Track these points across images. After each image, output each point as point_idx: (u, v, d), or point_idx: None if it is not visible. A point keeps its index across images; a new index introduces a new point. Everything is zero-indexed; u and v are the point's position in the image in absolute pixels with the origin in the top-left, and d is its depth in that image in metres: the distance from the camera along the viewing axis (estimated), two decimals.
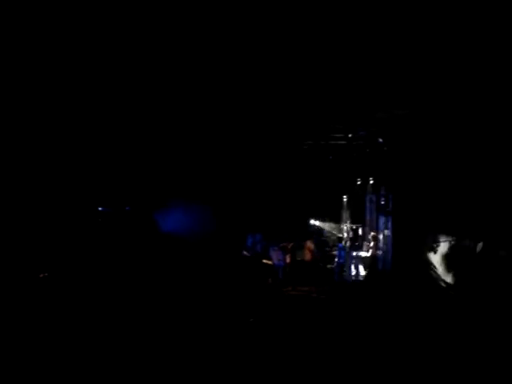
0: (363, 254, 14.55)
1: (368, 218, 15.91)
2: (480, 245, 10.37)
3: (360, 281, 13.75)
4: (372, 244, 14.95)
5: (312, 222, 17.76)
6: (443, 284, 11.27)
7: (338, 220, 17.84)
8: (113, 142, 12.08)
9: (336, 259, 14.48)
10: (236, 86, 8.94)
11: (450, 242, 11.81)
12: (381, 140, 12.87)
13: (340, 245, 14.71)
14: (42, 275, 11.28)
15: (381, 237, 14.44)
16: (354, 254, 14.42)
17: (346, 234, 15.87)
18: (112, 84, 8.84)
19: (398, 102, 10.03)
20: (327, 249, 15.96)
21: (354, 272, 14.28)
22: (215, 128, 11.79)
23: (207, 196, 15.02)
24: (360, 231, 15.64)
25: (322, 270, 15.36)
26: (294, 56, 7.60)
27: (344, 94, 9.49)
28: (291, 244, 14.90)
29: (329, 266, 15.31)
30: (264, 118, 11.03)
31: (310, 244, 15.39)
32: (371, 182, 15.20)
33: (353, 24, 6.53)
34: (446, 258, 11.76)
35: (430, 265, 12.19)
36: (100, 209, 14.61)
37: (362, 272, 14.10)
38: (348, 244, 15.09)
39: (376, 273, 13.56)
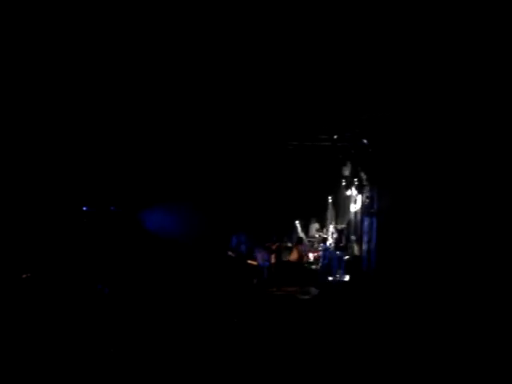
0: (345, 254, 14.58)
1: (353, 218, 15.99)
2: None
3: (344, 281, 13.78)
4: (355, 245, 15.04)
5: (297, 222, 17.82)
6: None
7: (322, 221, 17.91)
8: (98, 141, 12.01)
9: (321, 260, 14.51)
10: (222, 88, 8.95)
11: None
12: (365, 141, 12.94)
13: (324, 245, 14.76)
14: (24, 276, 11.17)
15: (365, 238, 14.52)
16: (339, 254, 14.46)
17: (330, 235, 15.92)
18: (98, 87, 8.82)
19: (381, 105, 10.12)
20: (312, 249, 16.01)
21: (338, 273, 14.32)
22: (201, 129, 11.79)
23: (192, 196, 15.00)
24: (345, 232, 15.71)
25: (306, 270, 15.39)
26: (279, 59, 7.64)
27: (328, 97, 9.55)
28: (276, 245, 14.91)
29: (313, 266, 15.34)
30: (249, 119, 11.04)
31: (299, 247, 15.41)
32: (356, 182, 15.27)
33: (337, 28, 6.58)
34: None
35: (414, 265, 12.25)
36: (84, 209, 14.52)
37: (347, 273, 14.12)
38: (332, 245, 15.13)
39: (360, 274, 13.63)
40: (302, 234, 16.38)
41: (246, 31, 6.69)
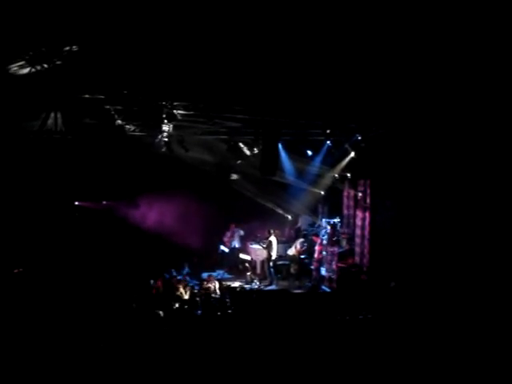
0: (339, 249, 14.60)
1: (346, 213, 16.02)
2: None
3: (336, 275, 13.84)
4: (345, 239, 15.08)
5: (289, 217, 17.89)
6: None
7: (315, 215, 17.92)
8: (90, 134, 11.95)
9: (315, 254, 14.54)
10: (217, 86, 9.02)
11: None
12: (359, 136, 12.98)
13: (317, 240, 14.76)
14: (16, 270, 11.13)
15: (358, 232, 14.57)
16: (331, 249, 14.50)
17: (323, 229, 15.92)
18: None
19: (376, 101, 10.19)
20: (305, 244, 15.99)
21: (330, 267, 14.37)
22: (190, 122, 11.82)
23: (186, 190, 14.94)
24: (338, 226, 15.71)
25: (300, 264, 15.39)
26: (270, 57, 7.70)
27: (323, 93, 9.59)
28: (269, 239, 14.90)
29: (307, 260, 15.37)
30: (238, 111, 11.05)
31: (298, 245, 15.39)
32: (349, 176, 15.30)
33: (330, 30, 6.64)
34: None
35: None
36: (77, 203, 14.47)
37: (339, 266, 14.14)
38: (325, 239, 15.14)
39: (353, 267, 13.69)
40: (292, 229, 16.46)
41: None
